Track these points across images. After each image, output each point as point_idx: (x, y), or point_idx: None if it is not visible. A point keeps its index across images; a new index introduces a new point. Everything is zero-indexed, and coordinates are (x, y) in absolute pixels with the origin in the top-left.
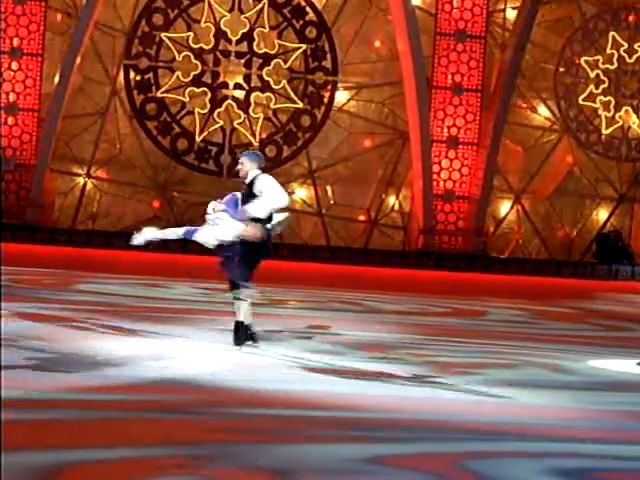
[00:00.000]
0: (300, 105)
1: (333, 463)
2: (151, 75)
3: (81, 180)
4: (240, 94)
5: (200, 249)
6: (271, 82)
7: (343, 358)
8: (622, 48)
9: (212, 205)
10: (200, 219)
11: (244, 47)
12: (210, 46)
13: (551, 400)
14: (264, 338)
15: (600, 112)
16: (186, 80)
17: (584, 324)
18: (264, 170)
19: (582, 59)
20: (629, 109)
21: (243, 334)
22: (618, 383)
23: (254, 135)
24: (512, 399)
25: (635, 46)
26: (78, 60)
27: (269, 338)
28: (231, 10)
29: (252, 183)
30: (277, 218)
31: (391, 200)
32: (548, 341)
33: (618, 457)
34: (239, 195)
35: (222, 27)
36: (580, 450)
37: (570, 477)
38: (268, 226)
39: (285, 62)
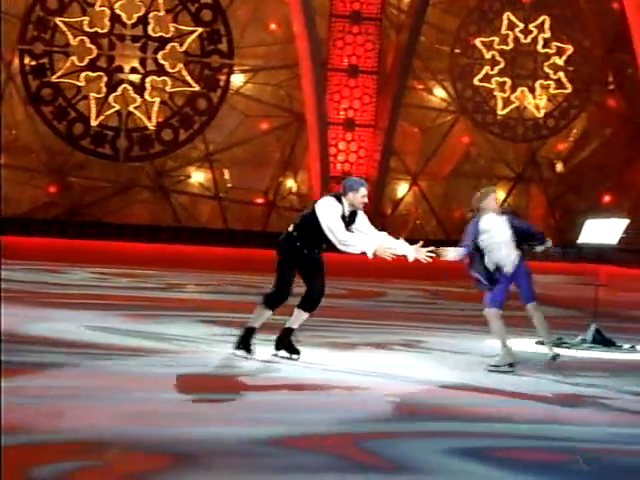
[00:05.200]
0: (196, 88)
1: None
2: (46, 60)
3: None
4: (136, 78)
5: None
6: (167, 66)
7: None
8: (517, 29)
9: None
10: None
11: (139, 31)
12: (105, 30)
13: (447, 378)
14: (151, 320)
15: (496, 93)
16: (81, 64)
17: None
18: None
19: (477, 40)
20: (525, 89)
21: None
22: (520, 361)
23: (150, 119)
24: (413, 378)
25: (530, 26)
26: None
27: (161, 322)
28: None
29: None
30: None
31: (289, 183)
32: (446, 321)
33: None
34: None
35: (117, 11)
36: (482, 429)
37: (469, 456)
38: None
39: (181, 45)
